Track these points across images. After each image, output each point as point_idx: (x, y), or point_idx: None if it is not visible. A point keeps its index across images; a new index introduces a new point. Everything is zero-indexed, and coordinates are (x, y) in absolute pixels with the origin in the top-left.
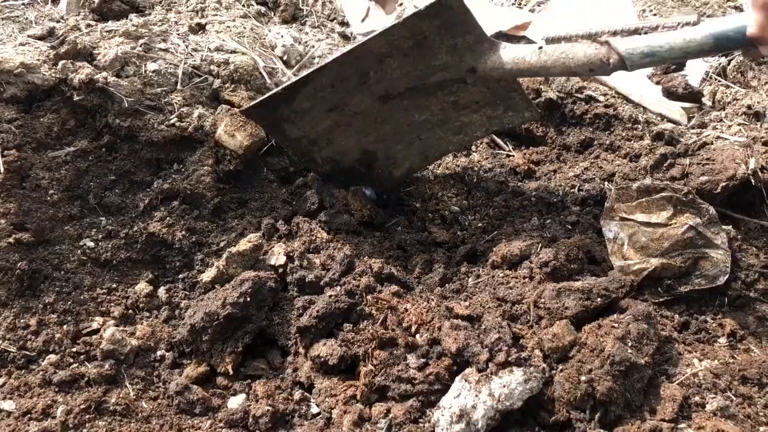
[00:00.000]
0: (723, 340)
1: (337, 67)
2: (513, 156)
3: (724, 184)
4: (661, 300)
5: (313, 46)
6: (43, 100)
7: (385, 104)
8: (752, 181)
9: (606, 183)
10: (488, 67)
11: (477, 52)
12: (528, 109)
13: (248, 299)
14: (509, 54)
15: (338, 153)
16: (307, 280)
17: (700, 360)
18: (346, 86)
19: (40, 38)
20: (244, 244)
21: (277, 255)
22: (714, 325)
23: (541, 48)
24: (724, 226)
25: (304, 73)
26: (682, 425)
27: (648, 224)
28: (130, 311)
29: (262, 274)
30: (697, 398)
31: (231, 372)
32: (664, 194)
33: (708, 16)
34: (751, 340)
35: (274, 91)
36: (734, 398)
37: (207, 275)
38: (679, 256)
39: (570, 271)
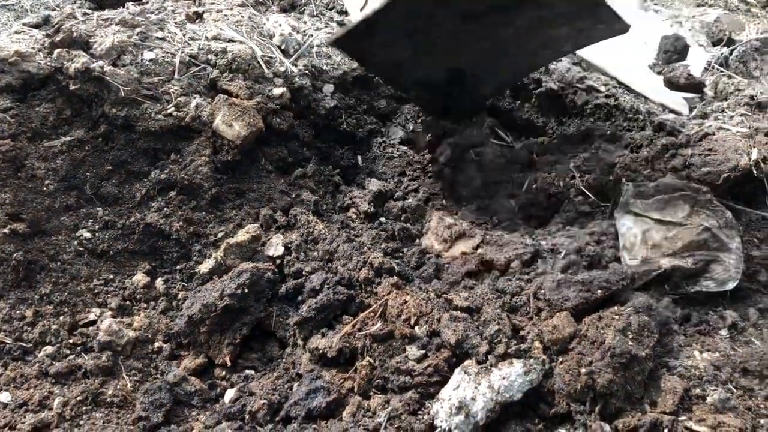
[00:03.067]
0: (724, 332)
1: None
2: (514, 146)
3: (725, 174)
4: (665, 297)
5: (312, 35)
6: (38, 89)
7: (468, 23)
8: (754, 171)
9: (610, 176)
10: None
11: None
12: (618, 22)
13: (246, 290)
14: None
15: (425, 75)
16: (305, 271)
17: (701, 352)
18: (427, 11)
19: (36, 26)
20: (242, 235)
21: (276, 246)
22: (715, 317)
23: None
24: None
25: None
26: (683, 417)
27: (662, 222)
28: (128, 302)
29: (260, 266)
30: (697, 390)
31: (229, 364)
32: (682, 193)
33: None
34: (752, 332)
35: (355, 23)
36: (735, 390)
37: (205, 266)
38: (690, 257)
39: (571, 263)
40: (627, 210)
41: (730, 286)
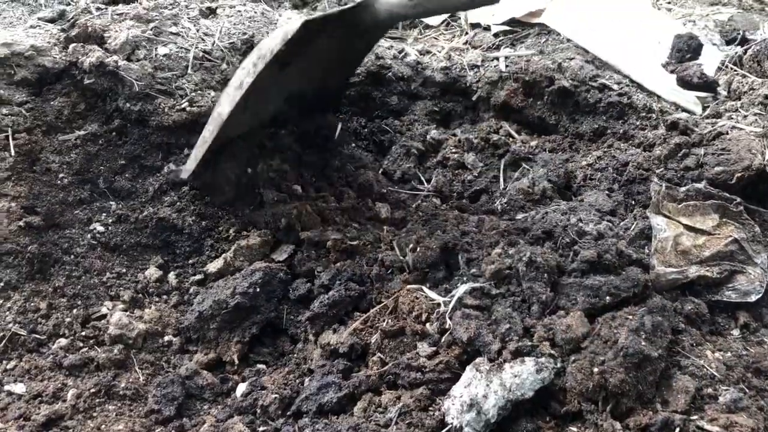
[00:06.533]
0: (736, 332)
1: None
2: (527, 144)
3: (739, 174)
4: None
5: None
6: (53, 83)
7: (285, 67)
8: None
9: (632, 174)
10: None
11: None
12: None
13: (257, 290)
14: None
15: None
16: (317, 270)
17: (713, 352)
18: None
19: (51, 21)
20: (253, 238)
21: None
22: (727, 317)
23: None
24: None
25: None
26: (695, 417)
27: (692, 228)
28: (140, 296)
29: (272, 265)
30: (709, 390)
31: (237, 362)
32: (713, 201)
33: None
34: (764, 332)
35: (200, 155)
36: (747, 390)
37: (214, 266)
38: (716, 266)
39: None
40: (658, 211)
41: (753, 298)
